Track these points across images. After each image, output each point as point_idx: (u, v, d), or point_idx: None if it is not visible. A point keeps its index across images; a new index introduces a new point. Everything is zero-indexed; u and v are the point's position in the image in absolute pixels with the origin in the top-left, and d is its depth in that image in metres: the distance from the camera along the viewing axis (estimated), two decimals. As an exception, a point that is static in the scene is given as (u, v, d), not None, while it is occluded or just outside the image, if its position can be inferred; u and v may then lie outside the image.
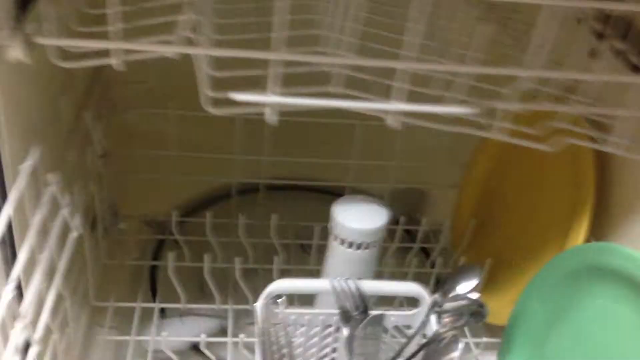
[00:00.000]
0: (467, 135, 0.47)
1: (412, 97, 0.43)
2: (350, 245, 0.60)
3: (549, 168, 0.66)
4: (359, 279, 0.57)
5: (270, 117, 0.41)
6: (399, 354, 0.56)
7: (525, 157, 0.70)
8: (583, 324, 0.52)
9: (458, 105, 0.42)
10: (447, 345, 0.52)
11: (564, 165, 0.62)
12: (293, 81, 0.44)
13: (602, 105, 0.47)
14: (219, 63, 0.42)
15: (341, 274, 0.58)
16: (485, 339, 0.67)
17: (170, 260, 0.63)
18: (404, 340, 0.58)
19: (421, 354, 0.54)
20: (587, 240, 0.57)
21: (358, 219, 0.60)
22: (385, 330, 0.59)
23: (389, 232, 0.80)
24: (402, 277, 0.75)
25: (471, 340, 0.69)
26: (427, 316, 0.56)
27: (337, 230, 0.60)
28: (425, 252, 0.86)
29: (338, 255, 0.62)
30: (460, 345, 0.51)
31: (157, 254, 0.80)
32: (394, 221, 0.85)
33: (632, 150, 0.47)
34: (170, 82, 0.73)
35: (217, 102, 0.42)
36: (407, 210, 0.88)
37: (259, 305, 0.55)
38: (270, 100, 0.40)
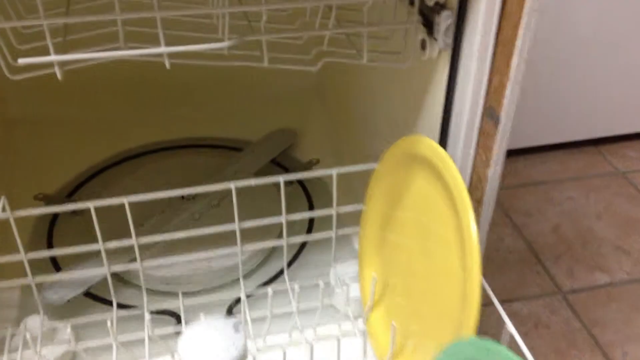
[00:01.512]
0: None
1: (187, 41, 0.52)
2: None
3: (437, 239, 0.58)
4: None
5: (59, 74, 0.49)
6: None
7: (411, 218, 0.62)
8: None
9: (216, 41, 0.50)
10: None
11: (452, 239, 0.55)
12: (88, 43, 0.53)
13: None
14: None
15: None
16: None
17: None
18: None
19: None
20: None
21: (206, 355, 0.51)
22: None
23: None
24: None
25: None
26: None
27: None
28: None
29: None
30: None
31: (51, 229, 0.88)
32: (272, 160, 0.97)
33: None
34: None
35: (16, 70, 0.50)
36: (282, 149, 0.98)
37: None
38: (53, 58, 0.48)
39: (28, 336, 0.65)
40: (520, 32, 0.50)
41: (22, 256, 0.60)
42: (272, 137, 0.99)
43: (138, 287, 0.77)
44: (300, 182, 0.95)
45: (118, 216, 0.83)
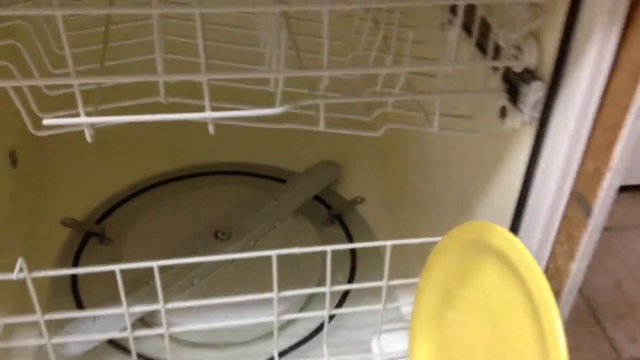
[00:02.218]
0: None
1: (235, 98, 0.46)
2: None
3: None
4: None
5: (89, 136, 0.43)
6: None
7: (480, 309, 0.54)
8: None
9: (267, 106, 0.43)
10: None
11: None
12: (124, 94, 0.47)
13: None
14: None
15: None
16: None
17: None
18: None
19: None
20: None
21: None
22: None
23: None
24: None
25: None
26: None
27: None
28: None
29: None
30: None
31: (78, 255, 0.82)
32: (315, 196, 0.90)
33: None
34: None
35: (41, 125, 0.44)
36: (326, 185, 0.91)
37: None
38: (82, 120, 0.42)
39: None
40: (630, 118, 0.42)
41: (39, 317, 0.54)
42: (315, 171, 0.92)
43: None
44: (341, 221, 0.88)
45: (148, 246, 0.79)
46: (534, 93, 0.46)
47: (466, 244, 0.55)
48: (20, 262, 0.50)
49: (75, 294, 0.76)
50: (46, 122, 0.41)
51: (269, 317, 0.61)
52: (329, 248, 0.57)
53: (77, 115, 0.42)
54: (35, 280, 0.53)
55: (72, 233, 0.85)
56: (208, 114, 0.43)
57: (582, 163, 0.47)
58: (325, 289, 0.59)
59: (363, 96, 0.47)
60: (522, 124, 0.49)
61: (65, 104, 0.44)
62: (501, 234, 0.50)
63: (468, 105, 0.52)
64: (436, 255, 0.59)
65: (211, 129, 0.44)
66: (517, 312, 0.49)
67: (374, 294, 0.62)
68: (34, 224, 0.85)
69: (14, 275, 0.50)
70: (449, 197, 0.70)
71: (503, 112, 0.50)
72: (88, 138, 0.43)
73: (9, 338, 0.67)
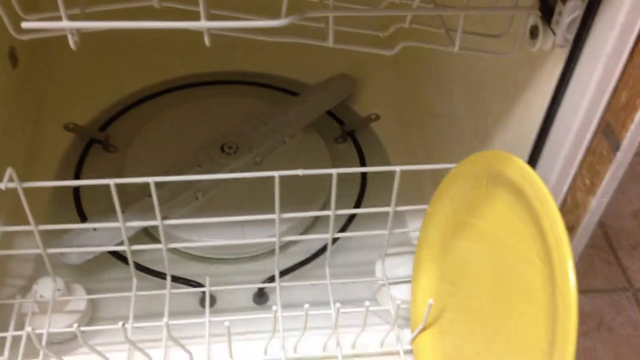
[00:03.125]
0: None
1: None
2: None
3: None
4: None
5: (72, 43, 0.39)
6: None
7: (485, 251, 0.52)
8: None
9: (267, 18, 0.39)
10: None
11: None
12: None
13: None
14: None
15: None
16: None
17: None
18: None
19: None
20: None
21: None
22: None
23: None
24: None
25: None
26: None
27: None
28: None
29: None
30: None
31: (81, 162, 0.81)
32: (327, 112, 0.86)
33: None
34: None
35: (22, 29, 0.40)
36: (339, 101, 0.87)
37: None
38: (65, 25, 0.38)
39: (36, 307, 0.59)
40: (675, 45, 0.37)
41: (33, 227, 0.53)
42: (329, 85, 0.87)
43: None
44: (354, 138, 0.85)
45: (152, 155, 0.76)
46: (570, 12, 0.41)
47: (480, 173, 0.51)
48: (9, 171, 0.48)
49: (77, 201, 0.75)
50: (25, 25, 0.38)
51: (271, 238, 0.60)
52: (334, 171, 0.54)
53: (60, 18, 0.38)
54: (35, 189, 0.51)
55: (75, 139, 0.82)
56: (203, 23, 0.39)
57: (614, 93, 0.42)
58: (330, 213, 0.57)
59: (378, 10, 0.42)
60: (553, 46, 0.44)
61: (55, 5, 0.40)
62: (517, 165, 0.47)
63: (494, 23, 0.47)
64: (449, 182, 0.56)
65: (207, 39, 0.40)
66: (527, 246, 0.46)
67: (383, 217, 0.59)
68: (36, 128, 0.83)
69: (3, 185, 0.48)
70: (468, 120, 0.66)
71: (533, 33, 0.45)
72: (72, 44, 0.39)
73: (10, 246, 0.67)
